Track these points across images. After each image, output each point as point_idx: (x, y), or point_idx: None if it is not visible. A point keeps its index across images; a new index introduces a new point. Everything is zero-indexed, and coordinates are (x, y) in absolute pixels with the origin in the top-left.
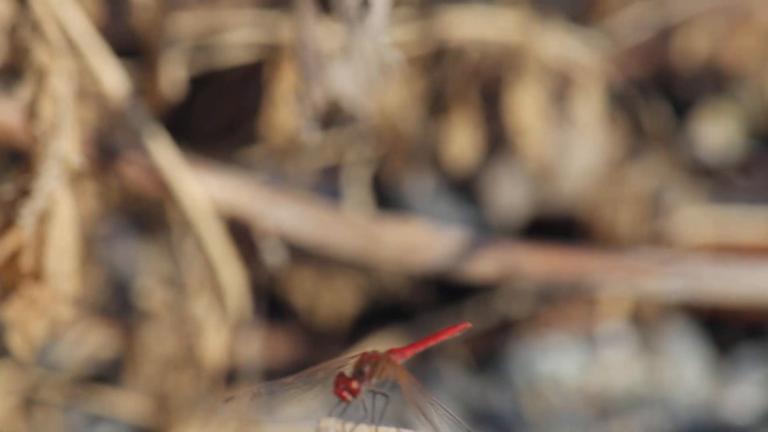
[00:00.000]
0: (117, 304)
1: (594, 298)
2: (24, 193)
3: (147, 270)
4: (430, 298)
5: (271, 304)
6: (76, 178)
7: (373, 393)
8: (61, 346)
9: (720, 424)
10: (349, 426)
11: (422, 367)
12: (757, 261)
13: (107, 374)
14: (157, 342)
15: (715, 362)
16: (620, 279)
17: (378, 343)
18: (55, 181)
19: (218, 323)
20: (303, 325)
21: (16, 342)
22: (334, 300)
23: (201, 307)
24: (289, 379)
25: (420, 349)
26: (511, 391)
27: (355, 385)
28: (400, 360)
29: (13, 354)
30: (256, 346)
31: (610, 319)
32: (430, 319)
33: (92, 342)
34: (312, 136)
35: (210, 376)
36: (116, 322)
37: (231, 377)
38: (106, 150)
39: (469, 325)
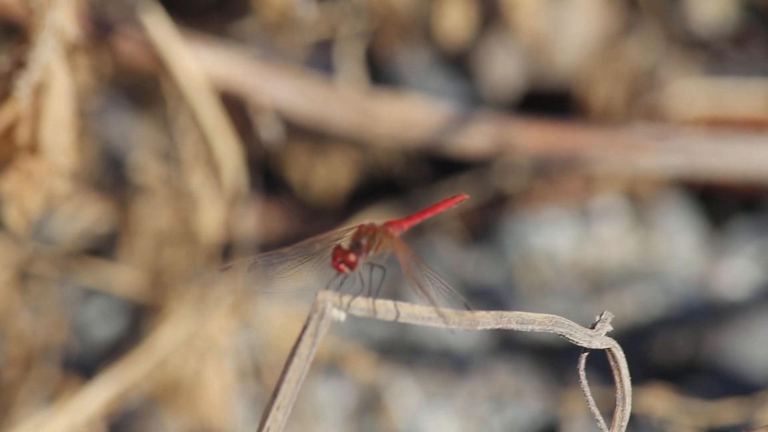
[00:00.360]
0: (111, 178)
1: (589, 174)
2: (20, 64)
3: (141, 144)
4: (424, 173)
5: (266, 178)
6: (71, 51)
7: (371, 265)
8: (56, 220)
9: (713, 298)
10: (346, 299)
11: (417, 240)
12: (752, 134)
13: (102, 248)
14: (152, 216)
15: (709, 236)
16: (615, 154)
17: (372, 217)
18: (50, 53)
19: (213, 197)
20: (297, 199)
21: (12, 215)
22: (328, 174)
23: (196, 180)
24: (286, 250)
25: (417, 221)
26: (505, 265)
27: (352, 257)
28: (397, 232)
29: (9, 227)
30: (252, 220)
31: (604, 194)
32: (423, 193)
33: (87, 216)
34: (306, 10)
35: (205, 250)
36: (111, 196)
37: (227, 251)
38: (101, 23)
39: (466, 197)
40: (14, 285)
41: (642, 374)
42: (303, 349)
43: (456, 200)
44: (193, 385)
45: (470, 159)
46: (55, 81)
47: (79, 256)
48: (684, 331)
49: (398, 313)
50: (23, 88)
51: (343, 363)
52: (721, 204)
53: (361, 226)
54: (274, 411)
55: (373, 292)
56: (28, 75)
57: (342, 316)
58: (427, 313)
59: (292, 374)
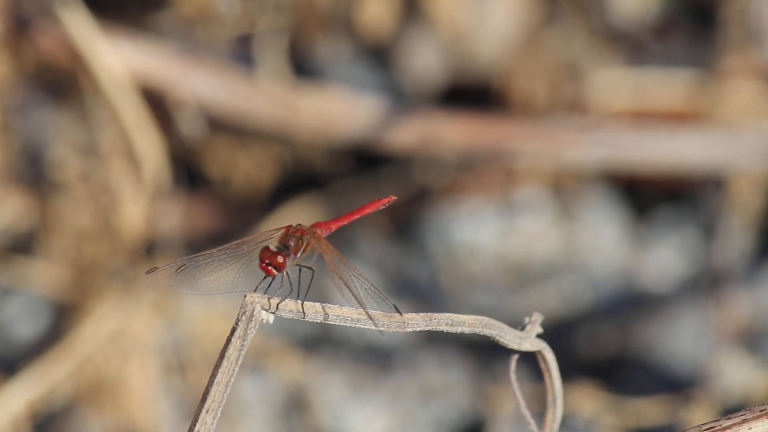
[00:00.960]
0: (31, 174)
1: (512, 166)
2: None
3: (61, 139)
4: (347, 167)
5: (189, 174)
6: None
7: (299, 267)
8: None
9: (638, 291)
10: (274, 301)
11: (341, 235)
12: (674, 127)
13: (22, 245)
14: (73, 212)
15: (633, 228)
16: (539, 147)
17: (295, 213)
18: None
19: (135, 192)
20: (220, 194)
21: None
22: (251, 169)
23: (117, 176)
24: (213, 252)
25: (344, 222)
26: (429, 260)
27: (280, 259)
28: (324, 233)
29: None
30: (175, 216)
31: (527, 186)
32: (347, 188)
33: (6, 212)
34: (226, 4)
35: (128, 246)
36: (30, 192)
37: (150, 247)
38: (19, 18)
39: (394, 198)
40: None
41: (569, 370)
42: (232, 352)
43: (383, 201)
44: (117, 384)
45: (394, 153)
46: None
47: (0, 253)
48: (610, 324)
49: (327, 315)
50: None
51: (268, 360)
52: (645, 196)
53: (288, 228)
54: (203, 414)
55: (301, 294)
56: None
57: (270, 318)
58: (356, 315)
59: (221, 377)
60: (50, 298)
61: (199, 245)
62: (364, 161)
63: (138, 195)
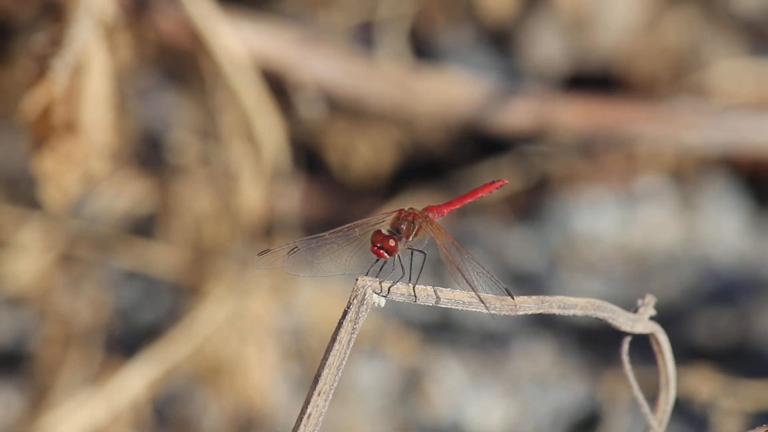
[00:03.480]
0: (151, 158)
1: (633, 152)
2: (56, 43)
3: (181, 123)
4: (465, 153)
5: (308, 158)
6: (109, 30)
7: (410, 250)
8: (97, 201)
9: (759, 280)
10: (386, 284)
11: (458, 223)
12: None
13: (142, 228)
14: (192, 196)
15: (755, 217)
16: (660, 130)
17: (413, 198)
18: (88, 31)
19: (254, 176)
20: (337, 178)
21: (51, 195)
22: (369, 155)
23: (236, 159)
24: (326, 235)
25: (457, 206)
26: (547, 248)
27: (391, 242)
28: (437, 217)
29: (48, 208)
30: (295, 199)
31: (648, 174)
32: (464, 174)
33: (127, 196)
34: None
35: (246, 229)
36: (151, 176)
37: (269, 231)
38: (141, 1)
39: (506, 182)
40: (56, 266)
41: (688, 357)
42: (343, 335)
43: (496, 185)
44: (235, 366)
45: (512, 137)
46: (93, 60)
47: (120, 237)
48: (730, 313)
49: (438, 299)
50: (60, 67)
51: (385, 345)
52: (766, 184)
53: (400, 211)
54: (315, 396)
55: (413, 278)
56: (65, 54)
57: (382, 301)
58: (468, 299)
59: (333, 360)
60: (170, 281)
61: (316, 229)
62: (484, 147)
63: (257, 178)
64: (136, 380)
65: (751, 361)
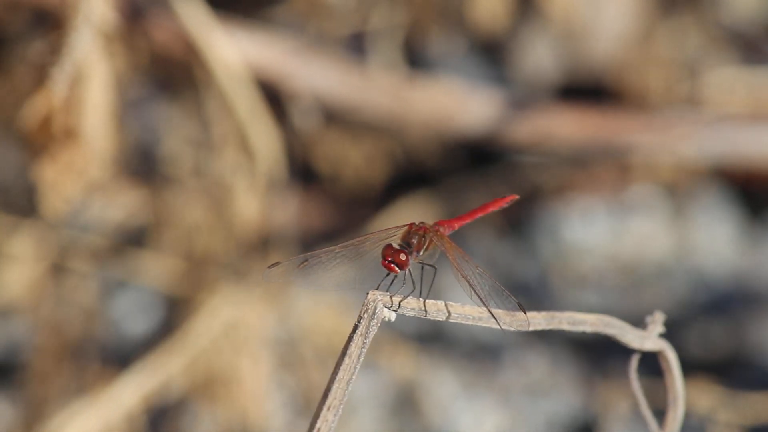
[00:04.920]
0: (145, 169)
1: (626, 163)
2: (56, 53)
3: (175, 133)
4: (458, 164)
5: (302, 168)
6: (108, 39)
7: (421, 265)
8: (89, 211)
9: (752, 291)
10: (396, 298)
11: (450, 234)
12: None
13: (136, 238)
14: (186, 206)
15: (747, 228)
16: (654, 140)
17: (406, 209)
18: (88, 40)
19: (249, 185)
20: (330, 190)
21: (51, 203)
22: (362, 165)
23: (230, 169)
24: (337, 248)
25: (468, 221)
26: (539, 259)
27: (402, 256)
28: (447, 232)
29: (46, 216)
30: (289, 209)
31: (640, 185)
32: (458, 184)
33: (121, 206)
34: None
35: (241, 240)
36: (145, 186)
37: (264, 241)
38: (134, 11)
39: (516, 197)
40: (48, 276)
41: (683, 368)
42: (354, 349)
43: (506, 200)
44: (230, 378)
45: (506, 147)
46: (93, 69)
47: (113, 247)
48: (723, 324)
49: (449, 314)
50: (60, 76)
51: (379, 356)
52: (759, 195)
53: (411, 225)
54: (324, 411)
55: (423, 292)
56: (64, 63)
57: (392, 315)
58: (478, 314)
59: (343, 374)
60: (163, 292)
61: (310, 240)
62: (476, 158)
63: (252, 188)
64: (130, 392)
65: (746, 373)
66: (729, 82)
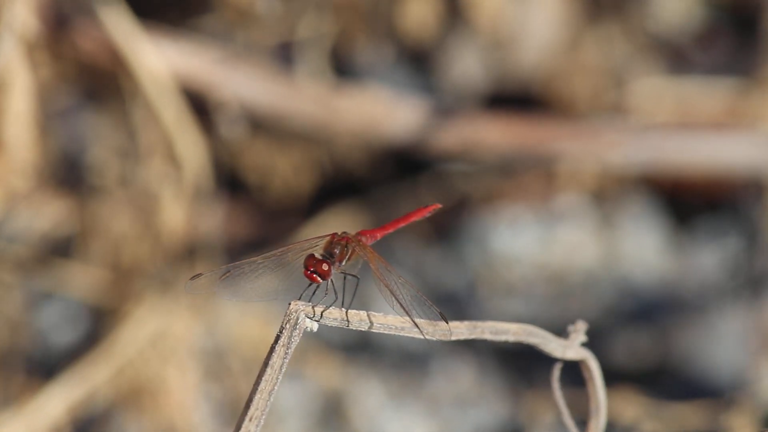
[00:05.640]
0: (71, 179)
1: (553, 172)
2: None
3: (101, 142)
4: (386, 173)
5: (228, 178)
6: (31, 48)
7: (343, 275)
8: (15, 221)
9: (678, 299)
10: (319, 309)
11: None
12: (718, 130)
13: (62, 248)
14: (112, 216)
15: (674, 237)
16: (581, 148)
17: (334, 218)
18: (10, 48)
19: (176, 195)
20: (258, 199)
21: None
22: (289, 175)
23: (157, 179)
24: (259, 259)
25: (390, 230)
26: (467, 268)
27: (325, 266)
28: (370, 242)
29: None
30: (217, 218)
31: (568, 193)
32: (386, 194)
33: (46, 216)
34: (268, 7)
35: (167, 250)
36: (70, 196)
37: (190, 251)
38: (60, 19)
39: (439, 206)
40: None
41: (609, 377)
42: (276, 360)
43: (429, 209)
44: (156, 388)
45: (434, 156)
46: (15, 77)
47: (39, 257)
48: (650, 332)
49: (371, 324)
50: None
51: (305, 366)
52: (686, 204)
53: (333, 235)
54: (246, 422)
55: (345, 302)
56: None
57: (315, 326)
58: (401, 324)
59: (265, 385)
60: (89, 302)
61: (237, 250)
62: (404, 166)
63: (178, 198)
64: (56, 403)
65: (672, 382)
66: (656, 91)
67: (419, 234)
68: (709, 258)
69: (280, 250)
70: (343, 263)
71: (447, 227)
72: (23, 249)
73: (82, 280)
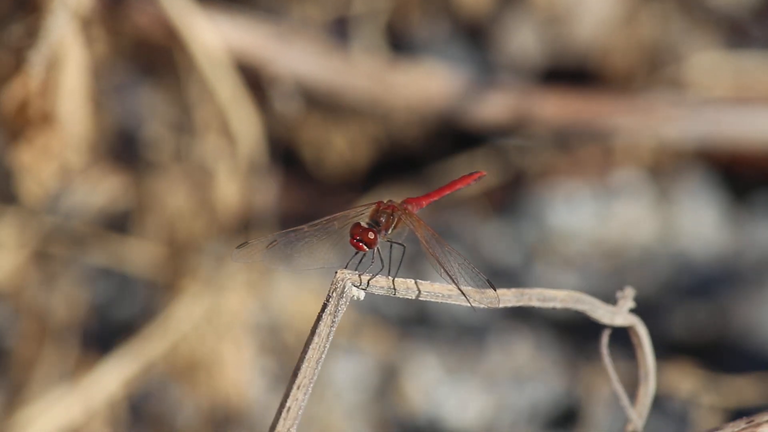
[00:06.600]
0: (127, 154)
1: (610, 146)
2: (32, 36)
3: (157, 118)
4: (441, 147)
5: (284, 152)
6: (85, 23)
7: (390, 243)
8: (71, 197)
9: (736, 274)
10: (365, 277)
11: (435, 216)
12: None
13: (118, 224)
14: (168, 191)
15: (732, 211)
16: (637, 122)
17: (390, 192)
18: (64, 24)
19: (230, 170)
20: (313, 174)
21: (28, 188)
22: (345, 149)
23: (212, 154)
24: (304, 228)
25: (436, 198)
26: (523, 242)
27: (371, 235)
28: (416, 210)
29: (25, 200)
30: (272, 194)
31: (625, 169)
32: (441, 167)
33: (103, 192)
34: None
35: (222, 225)
36: (126, 171)
37: (245, 226)
38: None
39: (484, 174)
40: (30, 263)
41: (667, 351)
42: (323, 328)
43: (474, 177)
44: (211, 363)
45: (489, 130)
46: (69, 53)
47: (95, 233)
48: (708, 307)
49: (418, 291)
50: (37, 60)
51: (362, 341)
52: (743, 178)
53: (379, 204)
54: (294, 390)
55: (392, 270)
56: (41, 47)
57: (361, 294)
58: (448, 291)
59: (312, 353)
60: (145, 278)
61: (292, 225)
62: (460, 141)
63: (233, 173)
64: (112, 377)
65: (730, 356)
66: (713, 65)
67: (476, 209)
68: (767, 232)
69: (326, 218)
70: (389, 231)
71: (503, 202)
72: (79, 224)
73: (137, 255)
